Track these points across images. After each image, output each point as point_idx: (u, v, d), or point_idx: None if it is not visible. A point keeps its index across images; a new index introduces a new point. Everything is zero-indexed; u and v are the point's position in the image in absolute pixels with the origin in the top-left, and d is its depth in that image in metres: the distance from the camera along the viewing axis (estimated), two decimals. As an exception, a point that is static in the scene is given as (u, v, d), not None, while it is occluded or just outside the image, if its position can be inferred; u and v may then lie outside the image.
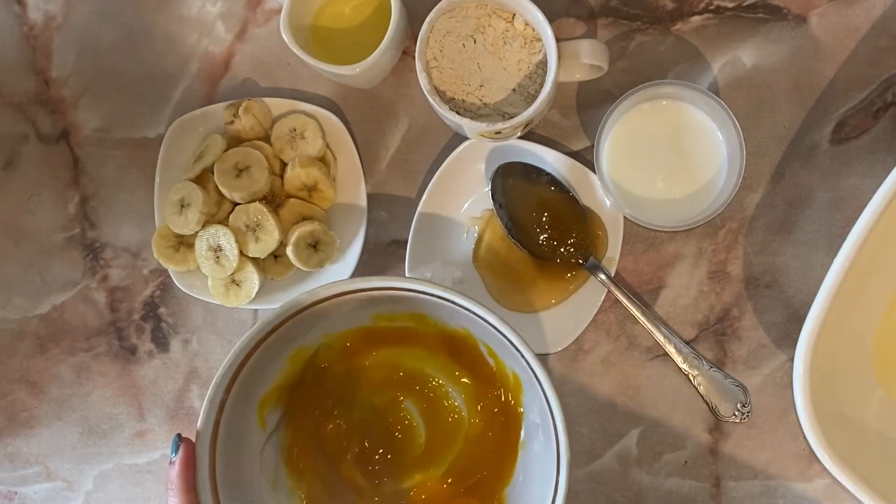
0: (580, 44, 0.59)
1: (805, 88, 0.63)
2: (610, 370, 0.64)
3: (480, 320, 0.51)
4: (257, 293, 0.64)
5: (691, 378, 0.62)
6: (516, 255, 0.64)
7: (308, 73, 0.67)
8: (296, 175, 0.63)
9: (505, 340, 0.51)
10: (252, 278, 0.64)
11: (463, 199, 0.65)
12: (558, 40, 0.57)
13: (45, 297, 0.69)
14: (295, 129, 0.64)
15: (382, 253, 0.66)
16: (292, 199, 0.64)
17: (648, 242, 0.64)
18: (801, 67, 0.63)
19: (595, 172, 0.61)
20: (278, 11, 0.64)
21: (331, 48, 0.63)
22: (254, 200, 0.63)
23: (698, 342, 0.63)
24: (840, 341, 0.56)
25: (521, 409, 0.57)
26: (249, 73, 0.67)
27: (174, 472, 0.51)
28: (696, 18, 0.64)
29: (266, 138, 0.65)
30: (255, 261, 0.64)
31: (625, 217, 0.63)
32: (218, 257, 0.63)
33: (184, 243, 0.65)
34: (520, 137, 0.63)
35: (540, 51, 0.59)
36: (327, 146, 0.65)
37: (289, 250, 0.63)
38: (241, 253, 0.63)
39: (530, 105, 0.58)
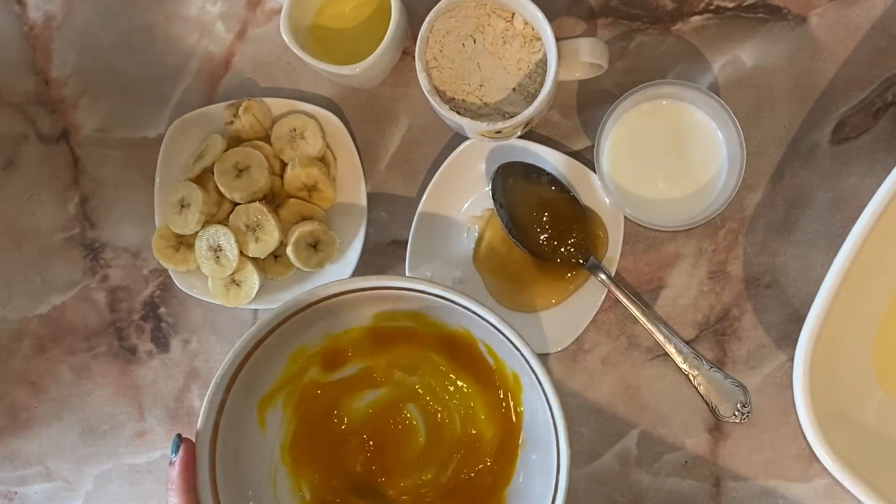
0: (580, 42, 0.59)
1: (805, 88, 0.63)
2: (610, 370, 0.64)
3: (480, 320, 0.51)
4: (257, 293, 0.64)
5: (691, 378, 0.62)
6: (516, 255, 0.64)
7: (308, 73, 0.67)
8: (296, 175, 0.63)
9: (505, 340, 0.51)
10: (252, 278, 0.64)
11: (463, 199, 0.65)
12: (558, 39, 0.57)
13: (45, 297, 0.69)
14: (295, 129, 0.64)
15: (382, 253, 0.66)
16: (292, 199, 0.64)
17: (648, 242, 0.64)
18: (801, 67, 0.63)
19: (595, 172, 0.61)
20: (278, 11, 0.63)
21: (331, 48, 0.63)
22: (254, 200, 0.63)
23: (698, 342, 0.63)
24: (840, 341, 0.56)
25: (521, 409, 0.57)
26: (249, 73, 0.67)
27: (174, 472, 0.51)
28: (696, 18, 0.64)
29: (266, 138, 0.65)
30: (255, 261, 0.64)
31: (625, 217, 0.63)
32: (218, 257, 0.63)
33: (184, 243, 0.65)
34: (520, 137, 0.63)
35: (539, 50, 0.59)
36: (327, 146, 0.65)
37: (289, 250, 0.63)
38: (241, 253, 0.63)
39: (530, 104, 0.58)
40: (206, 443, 0.51)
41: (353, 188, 0.65)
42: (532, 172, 0.63)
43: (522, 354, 0.51)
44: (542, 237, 0.63)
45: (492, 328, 0.51)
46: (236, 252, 0.63)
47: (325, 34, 0.64)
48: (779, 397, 0.63)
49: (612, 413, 0.64)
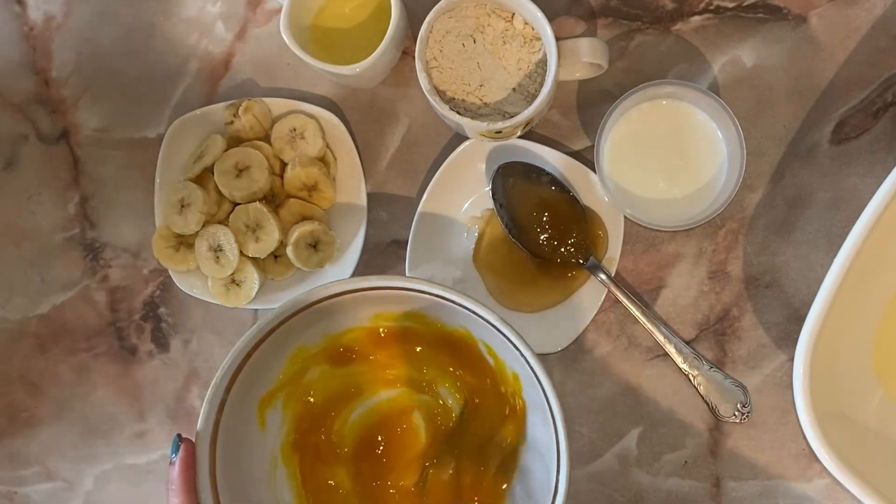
0: (579, 42, 0.59)
1: (805, 88, 0.63)
2: (610, 370, 0.64)
3: (481, 320, 0.51)
4: (257, 293, 0.64)
5: (691, 378, 0.62)
6: (517, 255, 0.64)
7: (308, 73, 0.67)
8: (296, 175, 0.63)
9: (505, 340, 0.51)
10: (252, 278, 0.64)
11: (463, 199, 0.65)
12: (558, 39, 0.57)
13: (45, 297, 0.69)
14: (295, 129, 0.64)
15: (382, 253, 0.66)
16: (292, 199, 0.64)
17: (648, 242, 0.64)
18: (801, 67, 0.63)
19: (595, 172, 0.61)
20: (278, 11, 0.63)
21: (331, 48, 0.63)
22: (254, 200, 0.63)
23: (698, 342, 0.63)
24: (840, 341, 0.56)
25: (521, 409, 0.57)
26: (249, 73, 0.67)
27: (174, 472, 0.50)
28: (696, 18, 0.64)
29: (266, 138, 0.65)
30: (255, 261, 0.64)
31: (625, 217, 0.63)
32: (218, 257, 0.63)
33: (184, 243, 0.65)
34: (520, 137, 0.63)
35: (539, 49, 0.59)
36: (327, 146, 0.65)
37: (289, 250, 0.63)
38: (241, 253, 0.63)
39: (530, 104, 0.58)
40: (206, 443, 0.51)
41: (353, 188, 0.65)
42: (532, 172, 0.63)
43: (522, 354, 0.51)
44: (542, 237, 0.63)
45: (492, 328, 0.51)
46: (236, 252, 0.63)
47: (325, 34, 0.64)
48: (779, 397, 0.63)
49: (612, 413, 0.64)
